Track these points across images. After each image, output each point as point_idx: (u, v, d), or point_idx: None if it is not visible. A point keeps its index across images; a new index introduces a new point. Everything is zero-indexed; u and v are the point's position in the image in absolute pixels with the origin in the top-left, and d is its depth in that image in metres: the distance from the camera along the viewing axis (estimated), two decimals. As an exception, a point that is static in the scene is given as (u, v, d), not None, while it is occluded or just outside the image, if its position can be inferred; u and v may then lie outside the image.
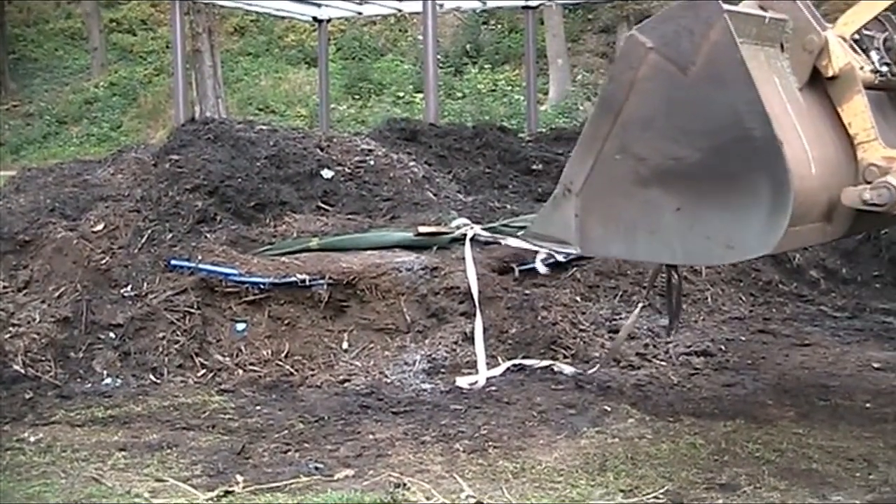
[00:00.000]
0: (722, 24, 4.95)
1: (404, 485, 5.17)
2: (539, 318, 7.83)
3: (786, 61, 5.45)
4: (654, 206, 5.26)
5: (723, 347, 7.89)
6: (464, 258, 8.13)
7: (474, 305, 7.73)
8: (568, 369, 7.26)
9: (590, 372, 7.14)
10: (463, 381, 7.12)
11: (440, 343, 7.66)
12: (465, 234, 8.42)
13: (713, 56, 5.00)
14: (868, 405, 6.45)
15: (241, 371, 7.45)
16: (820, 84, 5.51)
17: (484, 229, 8.61)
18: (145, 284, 7.90)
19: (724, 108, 4.99)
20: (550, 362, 7.35)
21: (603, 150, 5.39)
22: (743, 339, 8.22)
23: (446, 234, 8.53)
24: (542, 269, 8.45)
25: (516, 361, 7.44)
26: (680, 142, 5.15)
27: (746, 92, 4.90)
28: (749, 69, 4.91)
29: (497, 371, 7.28)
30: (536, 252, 8.48)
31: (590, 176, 5.48)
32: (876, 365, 7.41)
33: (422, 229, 8.56)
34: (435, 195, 10.37)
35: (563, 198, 5.64)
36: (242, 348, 7.67)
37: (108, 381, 7.21)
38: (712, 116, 5.05)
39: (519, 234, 7.37)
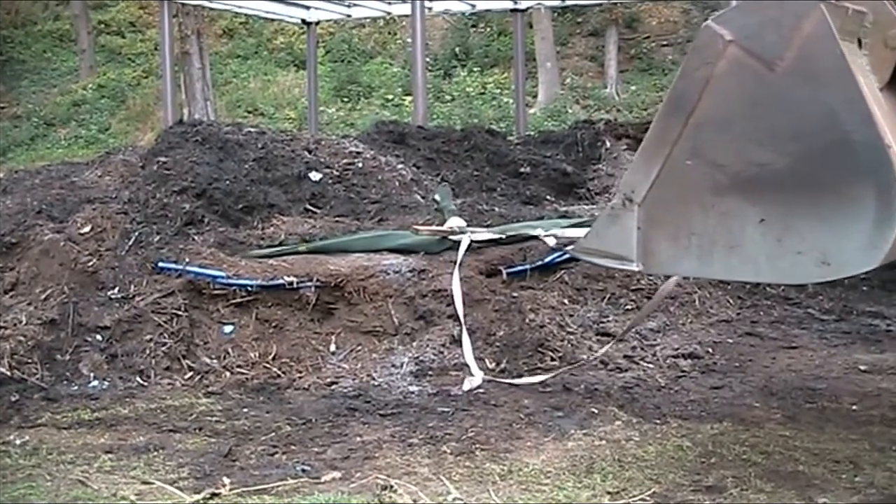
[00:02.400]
0: (818, 15, 4.50)
1: (391, 487, 5.17)
2: (526, 320, 7.83)
3: (864, 58, 4.83)
4: (733, 217, 4.80)
5: (710, 350, 7.90)
6: (452, 261, 8.14)
7: (468, 307, 7.74)
8: None
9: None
10: (467, 385, 7.05)
11: (428, 345, 7.66)
12: (465, 235, 8.41)
13: (807, 50, 4.53)
14: (854, 407, 6.47)
15: (228, 373, 7.44)
16: None
17: (485, 229, 8.61)
18: (132, 287, 7.88)
19: (819, 107, 4.54)
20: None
21: (672, 155, 4.91)
22: (730, 341, 8.24)
23: (444, 236, 8.51)
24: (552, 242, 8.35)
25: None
26: (765, 145, 4.69)
27: (846, 90, 4.46)
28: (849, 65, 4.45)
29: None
30: (525, 257, 8.48)
31: (655, 184, 4.99)
32: (862, 367, 7.43)
33: (420, 229, 8.54)
34: (423, 198, 10.38)
35: (622, 209, 5.13)
36: (230, 350, 7.65)
37: (95, 383, 7.20)
38: (804, 117, 4.59)
39: (569, 248, 6.71)
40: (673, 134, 4.89)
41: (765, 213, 4.73)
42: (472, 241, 8.41)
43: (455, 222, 8.70)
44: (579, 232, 8.37)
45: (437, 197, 9.00)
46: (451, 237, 8.48)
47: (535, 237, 8.61)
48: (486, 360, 7.47)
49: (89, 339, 7.49)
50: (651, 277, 8.83)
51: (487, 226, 8.97)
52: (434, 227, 8.65)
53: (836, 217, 4.56)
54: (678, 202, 4.96)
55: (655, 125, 5.04)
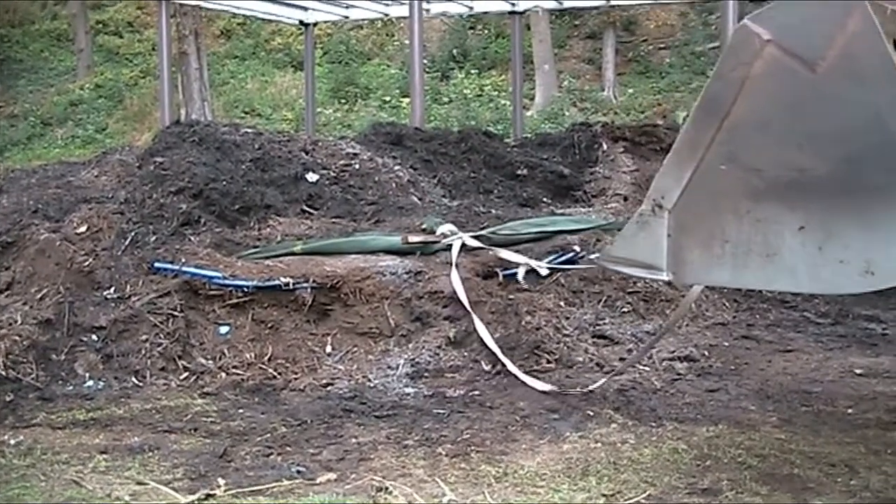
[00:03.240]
0: (862, 13, 4.25)
1: (386, 489, 5.16)
2: (523, 322, 7.84)
3: None
4: (770, 224, 4.60)
5: (706, 353, 7.90)
6: (448, 262, 8.14)
7: (465, 310, 7.74)
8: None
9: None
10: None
11: (424, 347, 7.67)
12: (451, 245, 8.42)
13: (851, 49, 4.29)
14: (850, 411, 6.47)
15: (223, 374, 7.43)
16: None
17: (473, 237, 8.59)
18: (128, 287, 7.87)
19: (864, 109, 4.33)
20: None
21: (705, 159, 4.70)
22: (726, 344, 8.24)
23: (434, 242, 8.52)
24: (521, 278, 8.36)
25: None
26: (805, 149, 4.48)
27: (893, 90, 4.23)
28: None
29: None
30: (518, 266, 8.48)
31: (687, 189, 4.79)
32: (858, 371, 7.44)
33: (410, 238, 8.54)
34: (420, 199, 10.38)
35: (651, 215, 4.94)
36: (225, 351, 7.64)
37: (90, 383, 7.18)
38: (848, 119, 4.38)
39: (594, 257, 6.44)
40: (706, 137, 4.70)
41: (805, 220, 4.55)
42: (463, 244, 8.41)
43: (446, 228, 8.69)
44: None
45: (423, 226, 8.99)
46: (443, 241, 8.48)
47: (529, 240, 8.66)
48: (482, 363, 7.47)
49: (85, 338, 7.48)
50: (648, 281, 8.84)
51: (482, 229, 8.96)
52: (424, 237, 8.63)
53: (882, 224, 4.37)
54: (711, 208, 4.78)
55: (687, 128, 4.86)
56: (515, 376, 7.12)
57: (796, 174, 4.53)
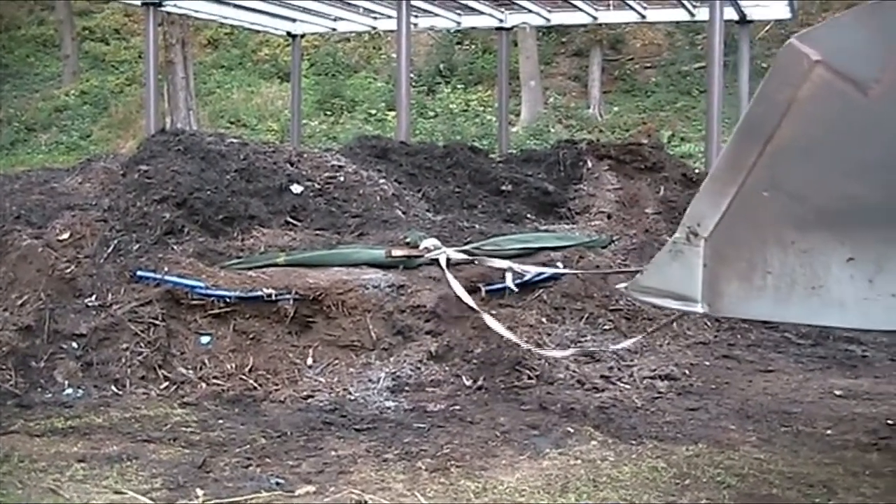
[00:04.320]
0: None
1: (365, 502, 5.16)
2: (504, 338, 7.83)
3: None
4: (817, 255, 4.37)
5: (687, 372, 7.92)
6: (430, 277, 8.18)
7: (447, 324, 7.76)
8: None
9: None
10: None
11: (405, 361, 7.66)
12: (436, 259, 8.43)
13: None
14: (829, 432, 6.49)
15: (204, 384, 7.41)
16: None
17: (458, 251, 8.61)
18: (110, 295, 7.84)
19: None
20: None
21: (745, 185, 4.44)
22: (707, 363, 8.26)
23: (418, 257, 8.52)
24: (512, 286, 8.39)
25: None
26: (855, 177, 4.26)
27: None
28: None
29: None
30: (505, 272, 8.50)
31: (725, 217, 4.54)
32: (838, 392, 7.47)
33: (394, 252, 8.53)
34: (404, 213, 10.38)
35: (686, 244, 4.68)
36: (206, 361, 7.62)
37: (70, 391, 7.15)
38: None
39: (622, 286, 5.94)
40: (747, 162, 4.45)
41: (854, 252, 4.33)
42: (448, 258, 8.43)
43: (429, 243, 8.69)
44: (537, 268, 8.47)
45: (408, 240, 9.00)
46: (426, 256, 8.48)
47: (512, 256, 8.67)
48: (463, 378, 7.47)
49: (65, 346, 7.45)
50: (630, 299, 8.86)
51: (466, 244, 8.97)
52: (408, 251, 8.63)
53: None
54: (752, 237, 4.53)
55: (727, 152, 4.60)
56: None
57: (845, 203, 4.31)
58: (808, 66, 4.22)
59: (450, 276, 8.05)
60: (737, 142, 4.55)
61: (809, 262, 4.41)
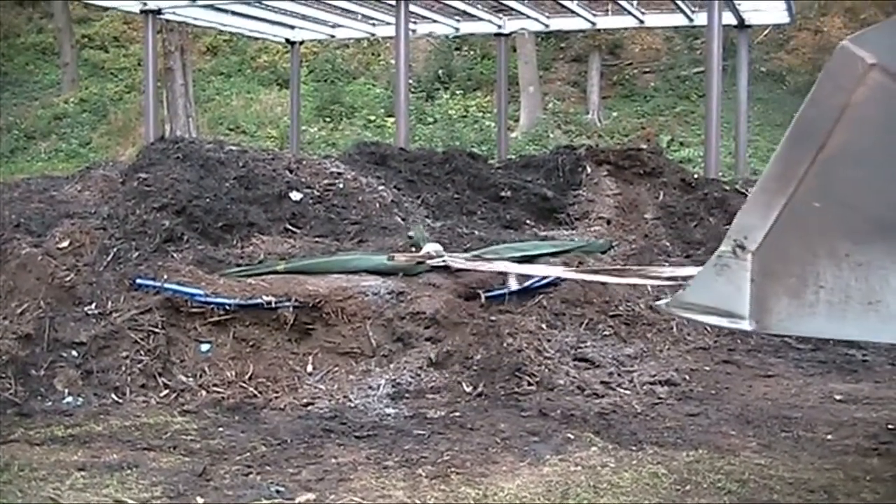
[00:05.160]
0: None
1: (365, 510, 5.15)
2: (504, 344, 7.84)
3: None
4: (873, 269, 4.15)
5: (687, 377, 7.92)
6: (430, 284, 8.21)
7: (448, 329, 7.77)
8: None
9: None
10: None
11: (405, 368, 7.66)
12: (442, 261, 8.45)
13: None
14: (829, 437, 6.49)
15: (204, 392, 7.41)
16: None
17: (460, 257, 8.62)
18: (110, 303, 7.84)
19: None
20: None
21: (796, 195, 4.23)
22: (707, 369, 8.26)
23: (420, 263, 8.52)
24: (514, 286, 8.41)
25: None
26: None
27: None
28: None
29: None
30: (505, 278, 8.51)
31: (774, 229, 4.32)
32: (838, 397, 7.46)
33: (397, 257, 8.54)
34: (403, 220, 10.38)
35: (732, 257, 4.44)
36: (206, 369, 7.62)
37: (70, 399, 7.14)
38: None
39: (662, 303, 5.70)
40: (798, 171, 4.23)
41: None
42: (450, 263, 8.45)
43: (432, 247, 8.70)
44: (540, 270, 8.47)
45: (410, 233, 9.01)
46: (428, 262, 8.49)
47: (510, 259, 8.68)
48: (463, 384, 7.47)
49: (65, 354, 7.44)
50: (629, 303, 8.87)
51: (466, 249, 8.98)
52: (411, 254, 8.64)
53: None
54: (803, 250, 4.31)
55: (776, 160, 4.37)
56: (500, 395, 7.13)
57: None
58: (862, 70, 4.07)
59: (456, 260, 8.06)
60: (786, 149, 4.34)
61: (865, 276, 4.21)
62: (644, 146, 15.28)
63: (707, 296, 4.63)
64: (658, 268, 8.56)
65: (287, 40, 21.47)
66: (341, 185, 10.55)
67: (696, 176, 12.91)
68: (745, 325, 4.58)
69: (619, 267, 9.04)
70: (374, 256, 8.66)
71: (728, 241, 4.45)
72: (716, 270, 4.54)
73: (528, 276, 8.56)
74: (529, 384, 7.53)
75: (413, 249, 8.96)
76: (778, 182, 4.29)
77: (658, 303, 5.82)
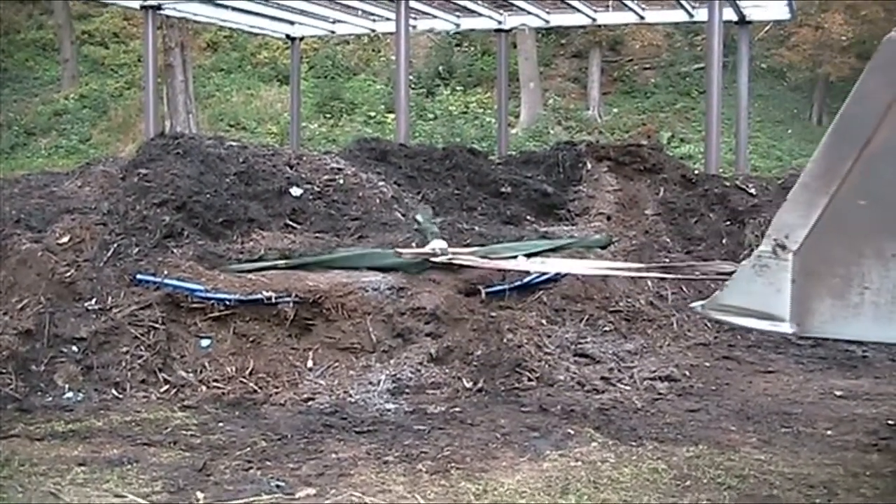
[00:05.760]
0: None
1: (366, 505, 5.15)
2: (504, 340, 7.84)
3: None
4: None
5: (687, 373, 7.92)
6: (430, 279, 8.21)
7: (448, 325, 7.76)
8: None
9: None
10: None
11: (405, 363, 7.66)
12: (448, 259, 8.45)
13: None
14: (829, 432, 6.49)
15: (204, 387, 7.41)
16: None
17: (465, 253, 8.62)
18: (110, 298, 7.84)
19: None
20: None
21: (839, 194, 4.12)
22: (707, 365, 8.26)
23: (428, 255, 8.51)
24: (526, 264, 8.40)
25: None
26: None
27: None
28: None
29: None
30: (504, 276, 8.51)
31: (817, 228, 4.20)
32: (838, 393, 7.47)
33: (404, 253, 8.51)
34: (403, 216, 10.37)
35: (772, 257, 4.32)
36: (206, 365, 7.62)
37: (70, 395, 7.15)
38: None
39: (697, 305, 5.62)
40: (842, 168, 4.13)
41: None
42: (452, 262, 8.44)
43: (437, 244, 8.70)
44: (566, 266, 8.43)
45: (418, 217, 9.01)
46: (432, 259, 8.48)
47: (514, 257, 8.66)
48: (464, 380, 7.47)
49: (65, 350, 7.45)
50: (630, 299, 8.87)
51: (467, 245, 8.98)
52: (417, 250, 8.63)
53: None
54: (847, 250, 4.18)
55: (819, 157, 4.25)
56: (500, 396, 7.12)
57: None
58: None
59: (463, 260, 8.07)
60: (830, 146, 4.22)
61: None
62: (644, 142, 15.28)
63: (745, 297, 4.51)
64: (704, 263, 8.46)
65: (287, 36, 21.44)
66: (341, 181, 10.54)
67: (696, 172, 12.90)
68: (786, 328, 4.46)
69: (665, 264, 8.99)
70: (375, 252, 8.64)
71: (768, 241, 4.34)
72: (755, 271, 4.41)
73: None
74: (529, 380, 7.54)
75: (416, 243, 8.95)
76: (820, 180, 4.18)
77: (693, 305, 5.47)
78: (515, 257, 8.76)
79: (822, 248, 4.21)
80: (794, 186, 4.32)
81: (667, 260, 9.96)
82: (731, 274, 6.95)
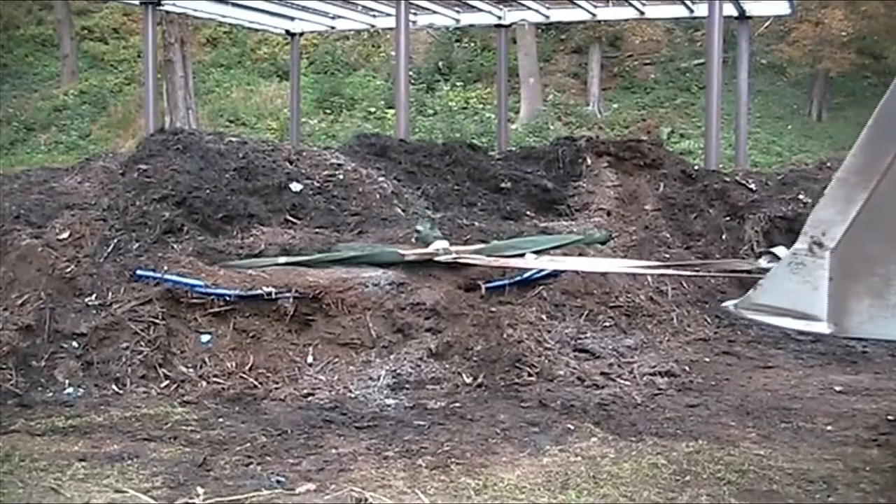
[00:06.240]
0: None
1: (366, 500, 5.15)
2: (504, 335, 7.84)
3: None
4: None
5: (687, 368, 7.93)
6: (430, 275, 8.22)
7: (447, 321, 7.77)
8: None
9: None
10: None
11: (405, 358, 7.66)
12: (452, 258, 8.46)
13: None
14: (829, 428, 6.49)
15: (204, 383, 7.41)
16: None
17: (468, 251, 8.63)
18: (110, 294, 7.85)
19: None
20: None
21: (879, 190, 3.97)
22: (707, 360, 8.27)
23: (432, 255, 8.50)
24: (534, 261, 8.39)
25: None
26: None
27: None
28: None
29: None
30: (504, 272, 8.50)
31: (855, 225, 4.06)
32: (837, 388, 7.47)
33: (407, 254, 8.49)
34: (403, 211, 10.38)
35: (808, 255, 4.16)
36: (206, 360, 7.62)
37: (70, 390, 7.15)
38: None
39: (730, 304, 5.36)
40: (881, 164, 3.99)
41: None
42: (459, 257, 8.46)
43: (440, 244, 8.69)
44: (581, 264, 8.40)
45: (419, 227, 9.01)
46: (436, 259, 8.47)
47: (521, 255, 8.67)
48: (463, 375, 7.47)
49: (65, 345, 7.45)
50: (630, 294, 8.87)
51: (467, 240, 8.97)
52: (420, 251, 8.61)
53: None
54: (886, 248, 4.04)
55: (858, 151, 4.12)
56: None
57: None
58: None
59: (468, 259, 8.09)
60: (869, 141, 4.07)
61: None
62: (644, 138, 15.25)
63: (780, 297, 4.38)
64: (720, 261, 8.39)
65: (287, 32, 21.41)
66: (341, 177, 10.54)
67: (696, 168, 12.89)
68: (823, 328, 4.34)
69: (681, 262, 8.97)
70: (374, 252, 8.62)
71: (804, 238, 4.20)
72: (790, 269, 4.27)
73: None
74: (529, 375, 7.54)
75: (415, 238, 8.95)
76: (859, 175, 4.05)
77: (725, 304, 5.27)
78: (523, 255, 8.75)
79: (860, 246, 4.08)
80: (832, 181, 4.19)
81: (667, 256, 9.97)
82: (747, 272, 6.83)
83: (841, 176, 4.12)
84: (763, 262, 7.57)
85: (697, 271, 7.94)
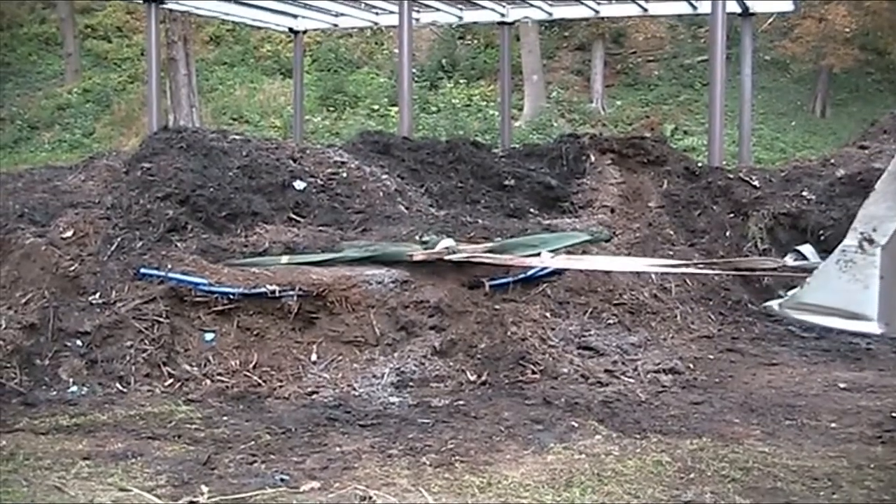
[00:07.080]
0: None
1: (370, 498, 5.15)
2: (508, 333, 7.84)
3: None
4: None
5: (691, 365, 7.92)
6: (433, 273, 8.21)
7: (452, 319, 7.77)
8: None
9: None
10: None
11: (409, 356, 7.66)
12: (460, 256, 8.46)
13: None
14: (833, 425, 6.49)
15: (208, 381, 7.42)
16: None
17: (476, 249, 8.63)
18: (114, 292, 7.85)
19: None
20: None
21: None
22: (711, 357, 8.26)
23: (441, 254, 8.49)
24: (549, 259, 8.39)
25: None
26: None
27: None
28: None
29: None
30: (508, 269, 8.49)
31: None
32: (842, 385, 7.45)
33: (416, 257, 8.46)
34: (407, 209, 10.38)
35: (858, 252, 4.04)
36: (210, 358, 7.63)
37: (74, 389, 7.16)
38: None
39: (774, 304, 5.09)
40: None
41: None
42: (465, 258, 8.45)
43: (447, 243, 8.68)
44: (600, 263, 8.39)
45: (425, 240, 8.99)
46: (446, 258, 8.45)
47: (536, 254, 8.66)
48: (467, 373, 7.48)
49: (69, 344, 7.45)
50: (634, 291, 8.86)
51: (471, 238, 8.96)
52: (429, 252, 8.59)
53: None
54: None
55: None
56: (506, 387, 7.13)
57: None
58: None
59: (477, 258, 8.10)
60: None
61: None
62: (648, 135, 15.26)
63: (828, 296, 4.19)
64: (742, 259, 8.34)
65: (290, 29, 21.40)
66: (345, 175, 10.55)
67: (699, 164, 12.88)
68: (874, 328, 4.15)
69: (705, 261, 8.95)
70: (392, 251, 8.60)
71: (853, 234, 4.03)
72: (839, 267, 4.11)
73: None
74: (533, 373, 7.54)
75: (418, 236, 8.94)
76: None
77: (769, 304, 5.02)
78: (538, 254, 8.73)
79: None
80: (883, 175, 4.01)
81: (671, 253, 9.95)
82: (773, 270, 6.69)
83: (893, 170, 3.96)
84: (789, 261, 7.49)
85: (722, 269, 7.87)
